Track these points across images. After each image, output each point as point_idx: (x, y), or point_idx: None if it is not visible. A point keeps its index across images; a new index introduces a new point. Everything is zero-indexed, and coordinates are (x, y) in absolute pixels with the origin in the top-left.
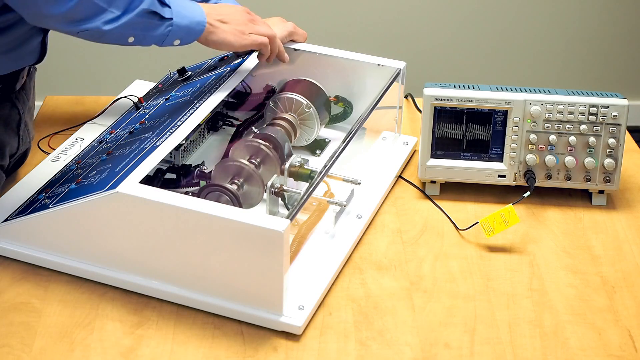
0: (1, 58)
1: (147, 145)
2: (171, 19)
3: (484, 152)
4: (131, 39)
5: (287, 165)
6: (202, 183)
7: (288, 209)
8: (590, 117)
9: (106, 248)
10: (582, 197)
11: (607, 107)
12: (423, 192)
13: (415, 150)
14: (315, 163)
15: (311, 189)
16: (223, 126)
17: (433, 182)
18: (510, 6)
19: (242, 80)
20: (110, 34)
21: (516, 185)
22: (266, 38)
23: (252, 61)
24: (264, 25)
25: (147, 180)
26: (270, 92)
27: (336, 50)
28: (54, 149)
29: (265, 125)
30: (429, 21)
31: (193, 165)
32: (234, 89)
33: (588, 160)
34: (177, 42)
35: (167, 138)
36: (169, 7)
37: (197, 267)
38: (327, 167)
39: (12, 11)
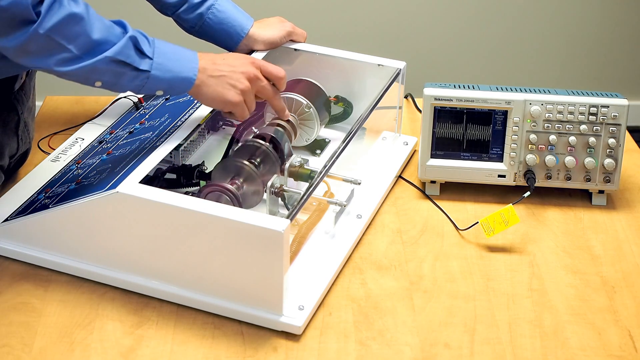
0: None
1: (147, 145)
2: (148, 71)
3: (484, 152)
4: (98, 84)
5: (287, 165)
6: (202, 183)
7: (288, 209)
8: (590, 117)
9: (106, 248)
10: (582, 197)
11: (607, 107)
12: (423, 192)
13: (415, 150)
14: (315, 163)
15: (311, 189)
16: (223, 126)
17: (433, 182)
18: (510, 6)
19: None
20: (68, 75)
21: (516, 185)
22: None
23: None
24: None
25: (147, 180)
26: None
27: (336, 50)
28: (54, 149)
29: (265, 125)
30: (429, 21)
31: (193, 165)
32: None
33: (588, 160)
34: (159, 92)
35: (167, 138)
36: (150, 58)
37: (197, 267)
38: (327, 167)
39: None
